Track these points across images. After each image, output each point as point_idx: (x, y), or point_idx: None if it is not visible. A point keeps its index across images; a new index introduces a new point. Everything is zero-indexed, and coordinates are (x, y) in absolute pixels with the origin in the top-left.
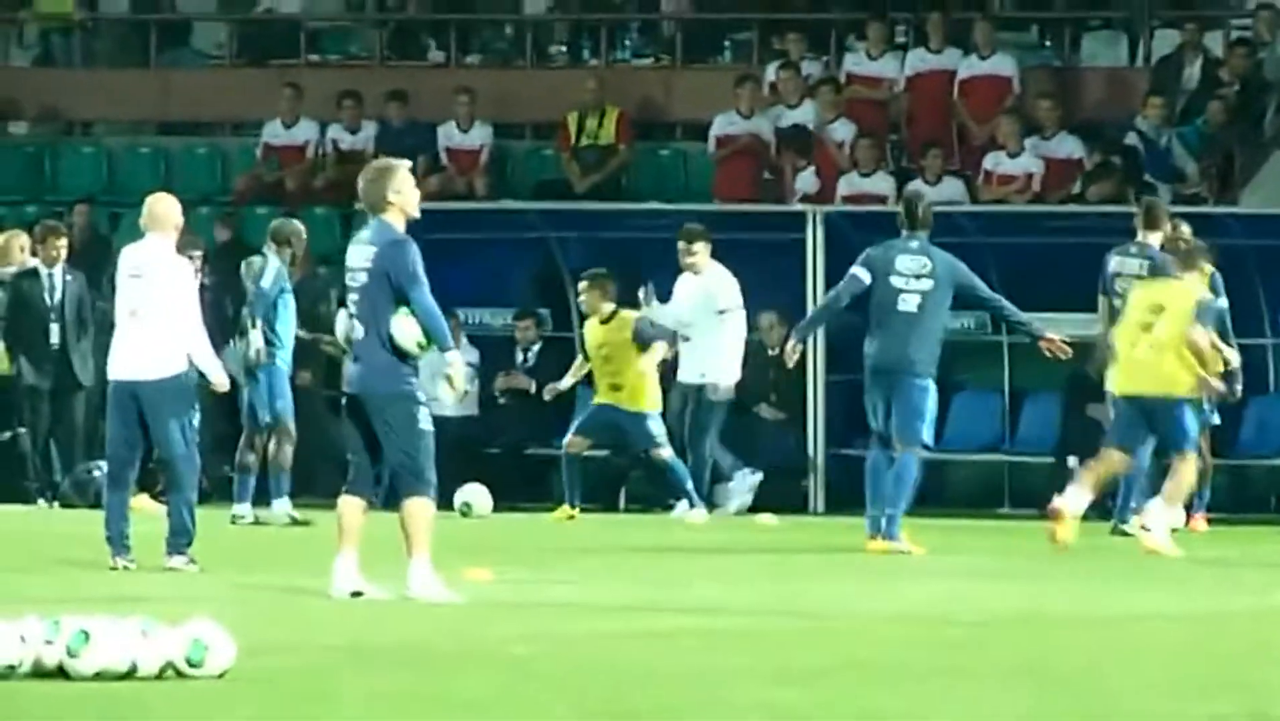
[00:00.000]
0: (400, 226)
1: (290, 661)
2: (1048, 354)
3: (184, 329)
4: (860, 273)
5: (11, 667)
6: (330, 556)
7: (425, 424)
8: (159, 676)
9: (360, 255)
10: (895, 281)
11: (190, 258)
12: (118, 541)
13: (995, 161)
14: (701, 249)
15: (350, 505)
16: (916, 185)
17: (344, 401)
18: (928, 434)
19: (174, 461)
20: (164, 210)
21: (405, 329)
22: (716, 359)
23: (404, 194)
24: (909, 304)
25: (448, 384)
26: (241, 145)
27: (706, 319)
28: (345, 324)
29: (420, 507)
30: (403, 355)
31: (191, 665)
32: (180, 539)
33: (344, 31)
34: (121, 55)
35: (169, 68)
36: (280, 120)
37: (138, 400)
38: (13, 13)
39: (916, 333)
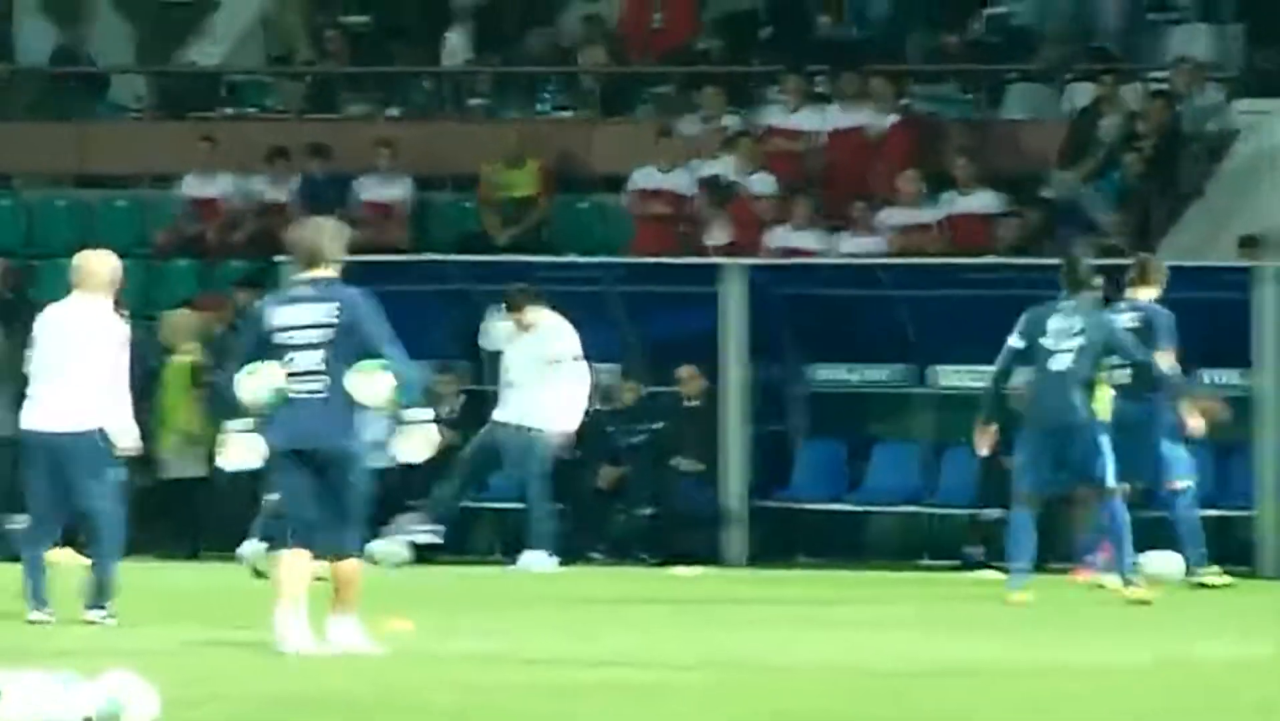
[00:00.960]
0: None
1: (214, 712)
2: (1200, 419)
3: (110, 387)
4: (1014, 340)
5: None
6: (257, 609)
7: (366, 482)
8: None
9: (310, 311)
10: (1046, 342)
11: (121, 315)
12: (36, 594)
13: (903, 215)
14: (530, 311)
15: (296, 559)
16: (841, 238)
17: (282, 454)
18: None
19: (95, 515)
20: (95, 268)
21: (372, 385)
22: (548, 408)
23: (339, 251)
24: (1061, 363)
25: (418, 439)
26: (161, 198)
27: (538, 368)
28: (265, 381)
29: (352, 566)
30: (357, 408)
31: (108, 719)
32: (101, 594)
33: (263, 84)
34: (39, 107)
35: (87, 120)
36: (199, 173)
37: (56, 453)
38: None
39: (1073, 385)
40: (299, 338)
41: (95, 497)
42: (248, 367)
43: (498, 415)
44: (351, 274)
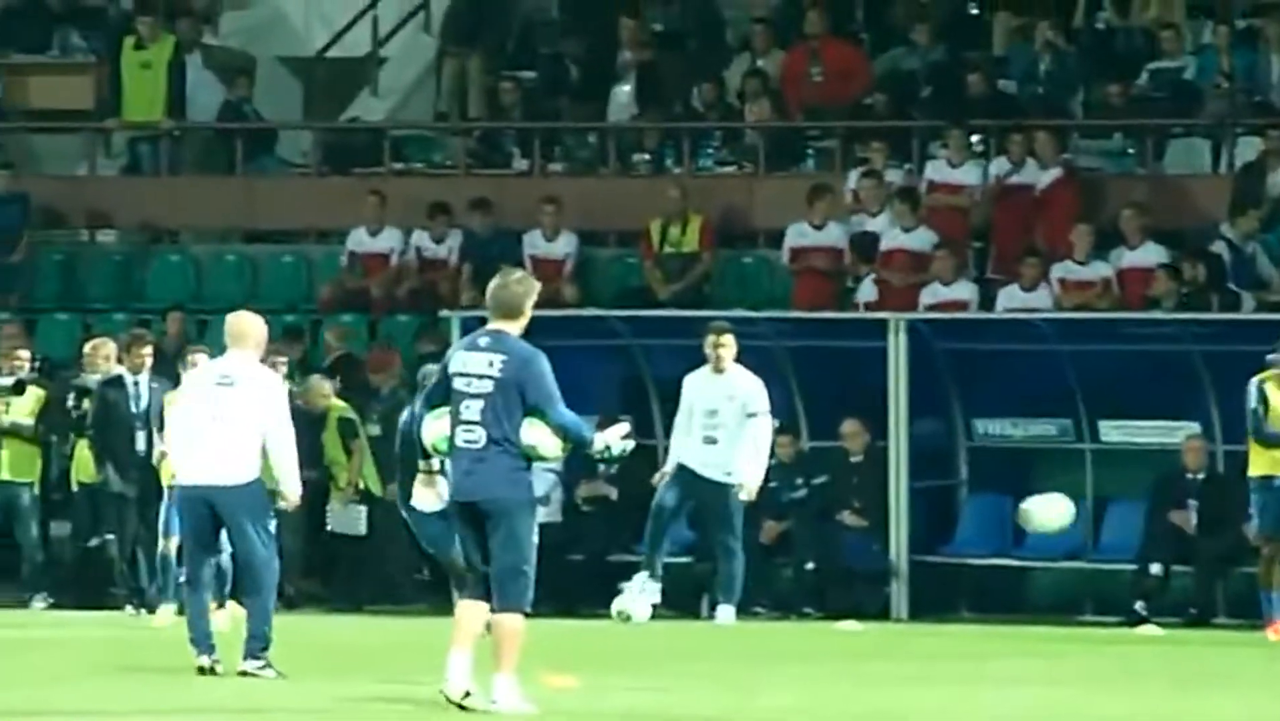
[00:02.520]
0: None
1: None
2: None
3: (264, 439)
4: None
5: None
6: (413, 664)
7: (534, 536)
8: None
9: (482, 360)
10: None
11: (274, 365)
12: (202, 641)
13: (1068, 269)
14: (730, 342)
15: (470, 609)
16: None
17: (452, 503)
18: None
19: (253, 565)
20: (244, 327)
21: (544, 438)
22: (746, 462)
23: (529, 310)
24: None
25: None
26: (326, 253)
27: (738, 421)
28: (444, 428)
29: (515, 623)
30: (528, 462)
31: None
32: (257, 643)
33: (428, 140)
34: (208, 163)
35: (254, 175)
36: (365, 228)
37: (212, 505)
38: (100, 121)
39: None
40: (471, 386)
41: (253, 547)
42: (435, 411)
43: (698, 469)
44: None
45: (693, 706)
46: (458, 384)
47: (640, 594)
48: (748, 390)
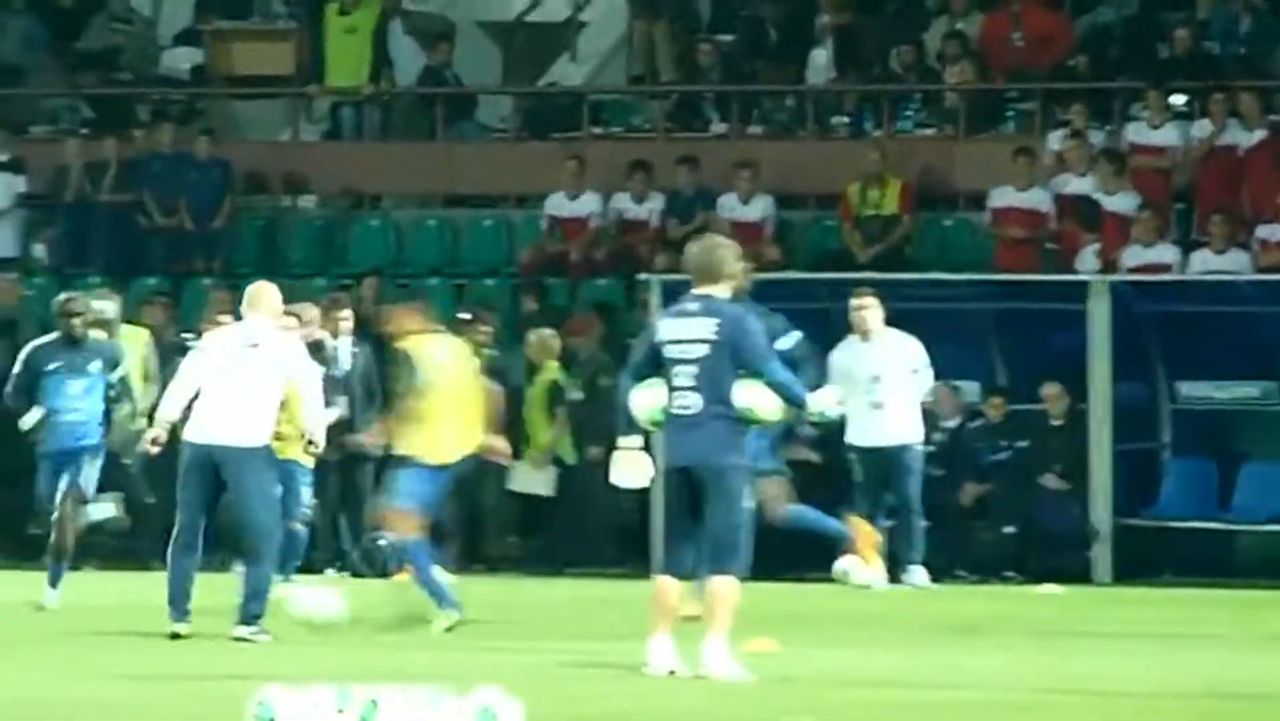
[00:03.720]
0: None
1: None
2: None
3: (305, 391)
4: None
5: None
6: (619, 629)
7: (750, 500)
8: None
9: (693, 326)
10: None
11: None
12: (180, 604)
13: (1273, 231)
14: (874, 305)
15: (667, 584)
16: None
17: (665, 472)
18: None
19: (255, 530)
20: (264, 294)
21: (760, 399)
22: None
23: (739, 272)
24: None
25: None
26: (526, 217)
27: (907, 382)
28: (656, 398)
29: (730, 586)
30: (744, 425)
31: None
32: (255, 607)
33: (627, 104)
34: (408, 128)
35: (455, 140)
36: (564, 192)
37: (219, 466)
38: (302, 86)
39: None
40: (682, 352)
41: (256, 512)
42: (644, 383)
43: (873, 437)
44: None
45: (897, 669)
46: (669, 351)
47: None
48: (908, 350)
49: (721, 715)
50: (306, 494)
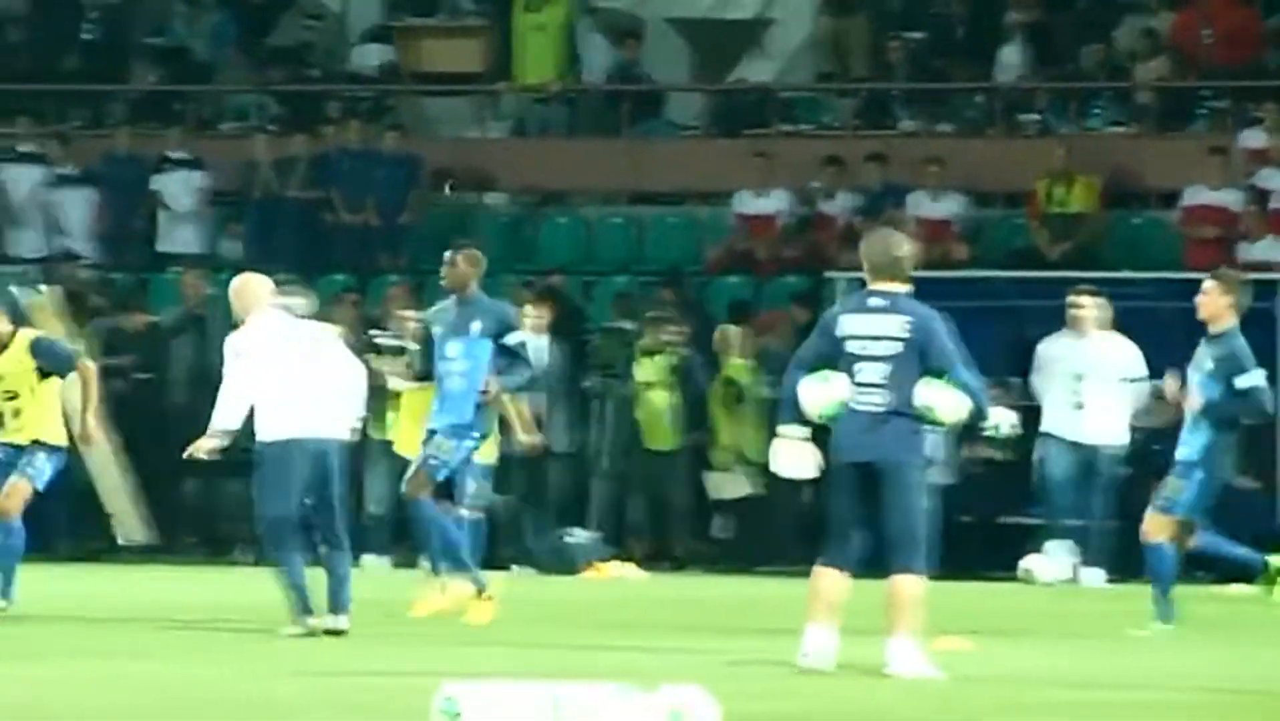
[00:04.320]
0: None
1: None
2: None
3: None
4: None
5: None
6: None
7: (926, 498)
8: None
9: (880, 323)
10: None
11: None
12: (304, 603)
13: None
14: (1090, 305)
15: (829, 576)
16: None
17: (838, 467)
18: None
19: (344, 521)
20: (257, 288)
21: (942, 401)
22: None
23: (912, 265)
24: None
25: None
26: (713, 214)
27: (1115, 387)
28: (833, 393)
29: (915, 584)
30: (922, 424)
31: None
32: (348, 597)
33: (816, 101)
34: (596, 125)
35: (642, 138)
36: (752, 189)
37: (323, 458)
38: (490, 84)
39: None
40: (868, 349)
41: (344, 504)
42: (817, 375)
43: (1069, 434)
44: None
45: (1083, 669)
46: (852, 347)
47: (1053, 557)
48: (1123, 356)
49: (915, 714)
50: (473, 486)
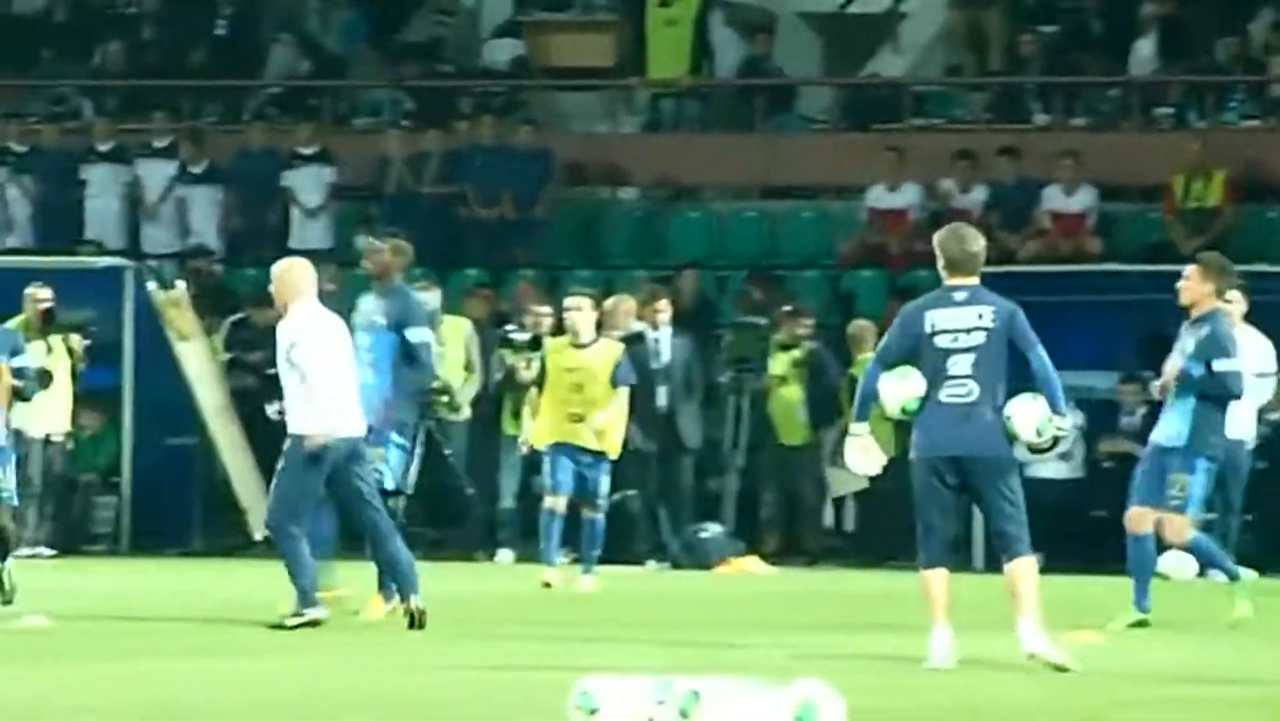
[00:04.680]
0: None
1: None
2: None
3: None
4: None
5: None
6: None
7: (1020, 485)
8: None
9: (967, 315)
10: None
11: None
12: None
13: None
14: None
15: (938, 576)
16: None
17: (925, 461)
18: None
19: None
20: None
21: (1025, 415)
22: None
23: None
24: None
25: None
26: (846, 209)
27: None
28: (911, 388)
29: (1031, 566)
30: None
31: None
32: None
33: (948, 95)
34: (728, 120)
35: (775, 132)
36: (884, 184)
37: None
38: (621, 78)
39: None
40: (958, 341)
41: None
42: (895, 371)
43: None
44: (1037, 283)
45: (1211, 663)
46: (940, 341)
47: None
48: (1258, 350)
49: (1040, 708)
50: (605, 483)
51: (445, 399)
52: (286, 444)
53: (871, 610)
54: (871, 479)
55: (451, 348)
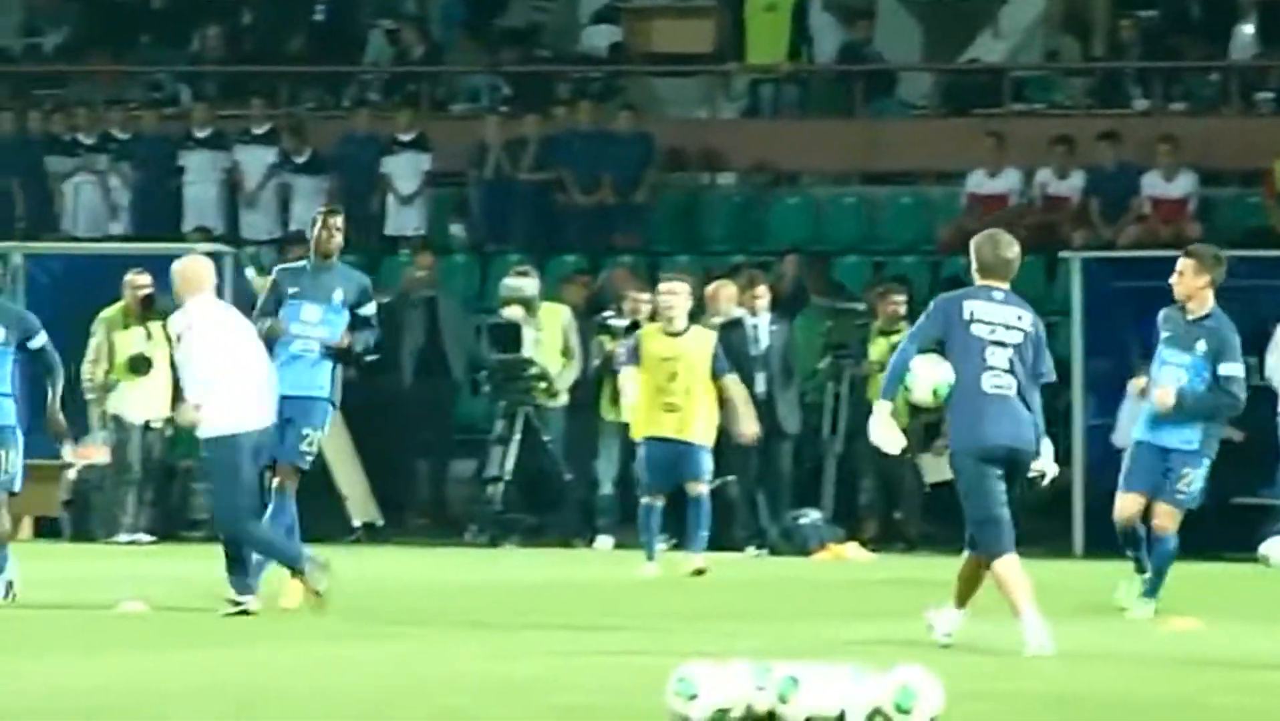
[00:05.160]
0: None
1: (996, 708)
2: None
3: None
4: None
5: (723, 712)
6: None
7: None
8: None
9: (1007, 313)
10: None
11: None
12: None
13: None
14: None
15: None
16: None
17: (967, 453)
18: None
19: None
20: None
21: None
22: None
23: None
24: None
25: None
26: (945, 194)
27: None
28: (941, 374)
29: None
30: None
31: (900, 711)
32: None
33: (1047, 80)
34: (827, 105)
35: (874, 117)
36: (984, 169)
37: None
38: (721, 64)
39: None
40: (997, 334)
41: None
42: (928, 356)
43: None
44: (1136, 269)
45: None
46: (977, 330)
47: None
48: None
49: (1137, 693)
50: (706, 461)
51: (543, 385)
52: (203, 453)
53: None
54: None
55: (549, 334)
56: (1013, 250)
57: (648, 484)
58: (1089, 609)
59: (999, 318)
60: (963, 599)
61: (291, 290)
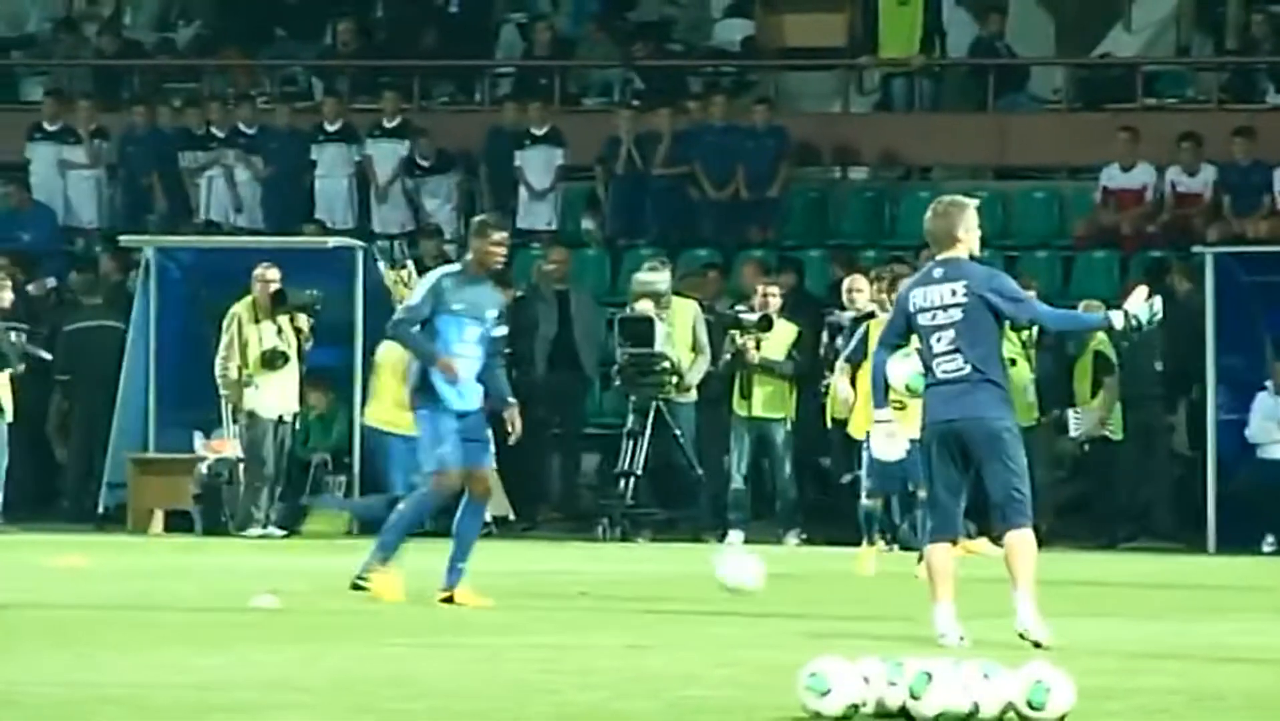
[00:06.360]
0: None
1: (1127, 706)
2: None
3: None
4: None
5: (855, 707)
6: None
7: (1023, 455)
8: (999, 718)
9: (942, 291)
10: None
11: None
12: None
13: None
14: None
15: (941, 552)
16: None
17: (928, 438)
18: None
19: None
20: None
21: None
22: None
23: (971, 233)
24: None
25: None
26: (1078, 189)
27: None
28: (911, 366)
29: (1028, 540)
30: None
31: (1033, 708)
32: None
33: (1180, 74)
34: (959, 100)
35: (1006, 112)
36: (1117, 164)
37: None
38: (853, 58)
39: None
40: (936, 319)
41: None
42: (900, 352)
43: None
44: (1266, 263)
45: None
46: (923, 320)
47: None
48: None
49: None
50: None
51: (674, 379)
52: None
53: (1100, 592)
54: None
55: (680, 328)
56: (949, 218)
57: (872, 487)
58: (1222, 607)
59: (936, 300)
60: (937, 592)
61: (456, 305)
